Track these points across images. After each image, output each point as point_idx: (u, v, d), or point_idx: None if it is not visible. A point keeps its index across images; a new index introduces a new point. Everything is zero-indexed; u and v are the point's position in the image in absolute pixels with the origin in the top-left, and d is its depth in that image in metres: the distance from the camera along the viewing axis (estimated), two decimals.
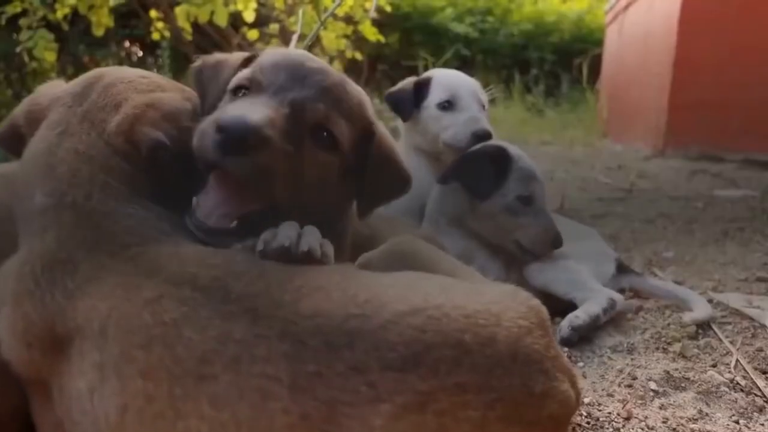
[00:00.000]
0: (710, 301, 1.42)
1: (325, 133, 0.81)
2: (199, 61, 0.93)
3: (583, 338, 1.25)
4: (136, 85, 0.82)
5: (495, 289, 0.71)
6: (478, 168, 1.39)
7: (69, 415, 0.63)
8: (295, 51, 0.87)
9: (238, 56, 0.91)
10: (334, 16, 3.41)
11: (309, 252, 0.72)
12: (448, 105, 1.52)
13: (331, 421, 0.55)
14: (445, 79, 1.58)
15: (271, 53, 0.85)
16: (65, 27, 3.26)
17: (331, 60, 4.29)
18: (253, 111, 0.72)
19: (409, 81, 1.61)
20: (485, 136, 1.47)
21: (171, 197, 0.79)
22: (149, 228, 0.72)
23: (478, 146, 1.45)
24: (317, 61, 0.86)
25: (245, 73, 0.82)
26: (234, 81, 0.83)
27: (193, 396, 0.57)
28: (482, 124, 1.49)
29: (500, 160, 1.38)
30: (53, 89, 0.84)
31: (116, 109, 0.78)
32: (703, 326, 1.29)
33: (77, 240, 0.69)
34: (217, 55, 0.94)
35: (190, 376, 0.57)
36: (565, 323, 1.23)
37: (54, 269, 0.67)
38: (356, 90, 0.89)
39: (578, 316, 1.24)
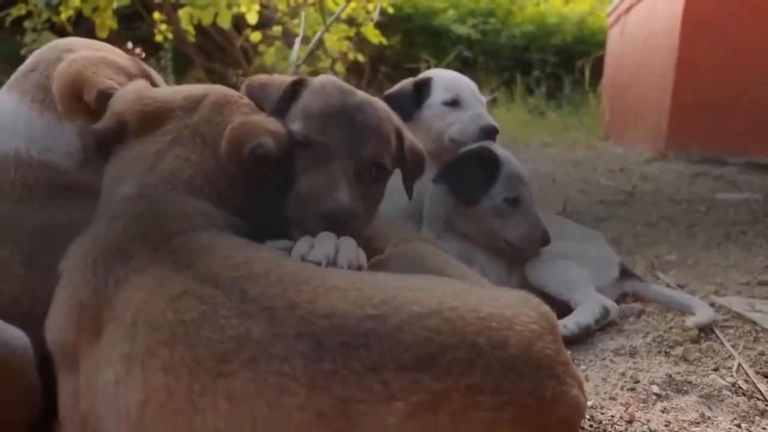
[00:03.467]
0: (712, 304, 1.42)
1: (378, 166, 0.94)
2: (245, 84, 0.99)
3: (585, 341, 1.25)
4: (239, 105, 0.91)
5: (508, 294, 0.72)
6: (466, 173, 1.39)
7: (93, 408, 0.65)
8: (329, 85, 0.96)
9: (282, 80, 0.98)
10: (337, 18, 3.42)
11: (347, 267, 0.76)
12: (452, 103, 1.53)
13: (347, 419, 0.56)
14: (446, 79, 1.59)
15: (312, 96, 0.94)
16: (69, 29, 3.28)
17: (333, 62, 4.30)
18: (341, 193, 0.85)
19: (407, 82, 1.62)
20: (493, 131, 1.49)
21: (253, 210, 0.86)
22: (201, 219, 0.76)
23: (469, 148, 1.46)
24: (345, 90, 0.95)
25: (300, 128, 0.90)
26: (294, 133, 0.91)
27: (211, 392, 0.58)
28: (489, 119, 1.51)
29: (488, 164, 1.39)
30: (153, 92, 0.89)
31: (225, 128, 0.86)
32: (705, 330, 1.30)
33: (137, 231, 0.72)
34: (261, 77, 1.01)
35: (209, 373, 0.59)
36: None
37: (113, 260, 0.70)
38: (379, 107, 0.98)
39: (566, 326, 1.24)
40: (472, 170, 1.39)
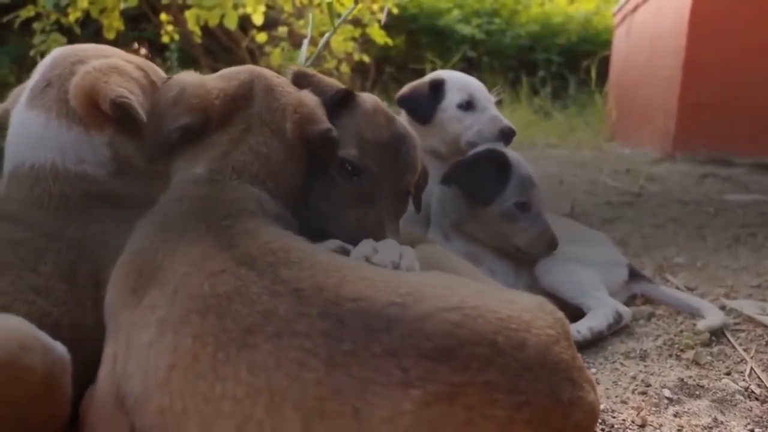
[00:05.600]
0: (723, 307, 1.42)
1: (409, 191, 1.04)
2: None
3: (595, 344, 1.25)
4: (284, 86, 0.96)
5: (525, 298, 0.73)
6: (480, 173, 1.39)
7: (126, 370, 0.68)
8: (378, 110, 1.01)
9: (331, 82, 1.04)
10: (344, 19, 3.43)
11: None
12: (466, 105, 1.52)
13: (363, 399, 0.57)
14: (459, 81, 1.58)
15: (366, 121, 0.99)
16: (77, 30, 3.29)
17: (338, 62, 4.30)
18: (390, 233, 0.93)
19: (421, 83, 1.59)
20: (511, 133, 1.49)
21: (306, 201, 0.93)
22: (254, 205, 0.81)
23: (478, 150, 1.45)
24: (389, 116, 1.02)
25: (357, 155, 0.95)
26: (344, 153, 0.95)
27: (234, 362, 0.60)
28: (506, 121, 1.51)
29: (501, 165, 1.39)
30: (210, 83, 0.91)
31: (284, 113, 0.92)
32: (717, 333, 1.29)
33: (197, 210, 0.77)
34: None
35: (234, 343, 0.61)
36: None
37: (170, 232, 0.75)
38: (413, 134, 1.05)
39: (579, 331, 1.23)
40: (484, 171, 1.39)
